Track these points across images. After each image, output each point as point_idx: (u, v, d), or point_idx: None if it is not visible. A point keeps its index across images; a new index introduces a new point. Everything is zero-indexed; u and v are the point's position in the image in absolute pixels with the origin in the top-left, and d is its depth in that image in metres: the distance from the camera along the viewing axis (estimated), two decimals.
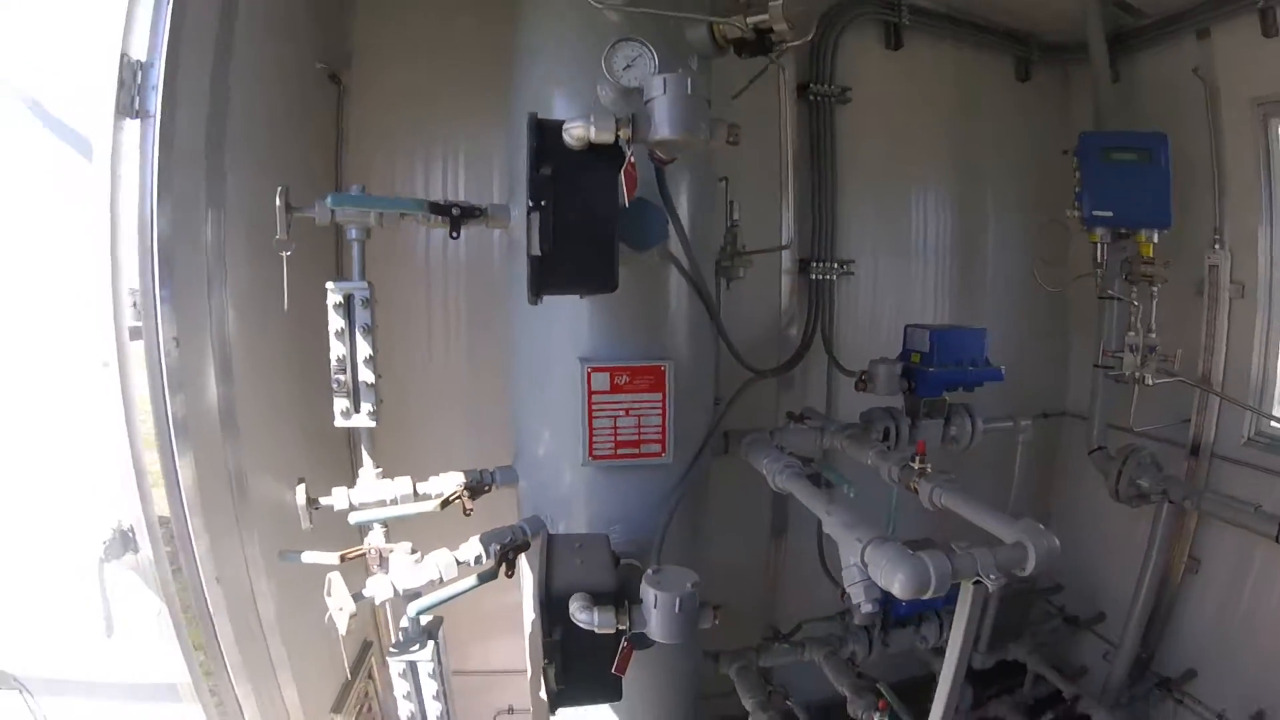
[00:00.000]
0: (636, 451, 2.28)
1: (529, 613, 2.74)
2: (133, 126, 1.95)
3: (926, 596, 1.77)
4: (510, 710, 2.94)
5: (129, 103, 1.93)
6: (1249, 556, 3.42)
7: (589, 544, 2.12)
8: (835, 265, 3.22)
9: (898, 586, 1.76)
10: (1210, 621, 3.66)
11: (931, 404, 2.75)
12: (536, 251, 1.83)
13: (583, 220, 1.83)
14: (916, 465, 2.31)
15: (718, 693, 3.16)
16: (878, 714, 2.62)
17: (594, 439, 2.25)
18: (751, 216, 2.90)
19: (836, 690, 2.88)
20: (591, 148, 1.78)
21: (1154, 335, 3.28)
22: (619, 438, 2.27)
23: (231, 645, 2.29)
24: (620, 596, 1.90)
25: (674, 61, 2.04)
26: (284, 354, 2.76)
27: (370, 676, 3.31)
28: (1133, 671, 3.77)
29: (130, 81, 1.93)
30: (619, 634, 1.88)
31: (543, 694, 2.06)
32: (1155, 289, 3.29)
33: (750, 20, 2.16)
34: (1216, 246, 3.43)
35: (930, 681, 2.18)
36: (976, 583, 1.88)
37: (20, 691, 2.21)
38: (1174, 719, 3.69)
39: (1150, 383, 3.29)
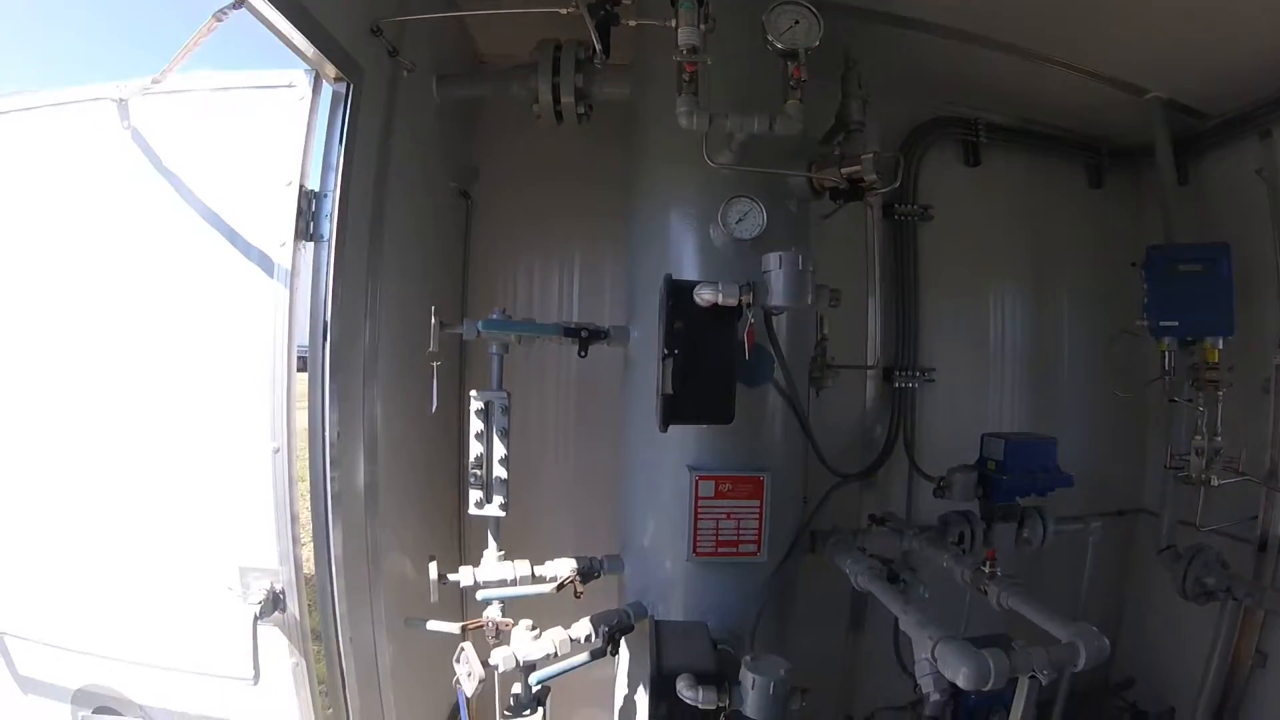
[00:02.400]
0: (735, 550, 2.55)
1: (620, 689, 3.00)
2: (307, 248, 2.34)
3: (987, 689, 2.00)
4: None
5: (305, 228, 2.32)
6: None
7: (690, 630, 2.39)
8: (917, 373, 3.42)
9: (962, 679, 2.00)
10: (1274, 715, 3.65)
11: (1005, 509, 2.93)
12: (669, 391, 2.13)
13: (707, 367, 2.14)
14: (987, 570, 2.53)
15: None
16: None
17: (698, 538, 2.53)
18: (840, 327, 3.14)
19: None
20: (716, 308, 2.09)
21: (1219, 439, 3.37)
22: (720, 537, 2.54)
23: (356, 703, 2.56)
24: (719, 677, 2.16)
25: (777, 208, 2.36)
26: (414, 446, 3.11)
27: None
28: None
29: (306, 210, 2.32)
30: (718, 710, 2.14)
31: None
32: (1220, 393, 3.40)
33: (845, 171, 2.48)
34: None
35: None
36: (1031, 677, 2.08)
37: None
38: None
39: (1215, 484, 3.41)
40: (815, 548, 2.86)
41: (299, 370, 2.31)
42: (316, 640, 2.51)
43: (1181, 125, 3.76)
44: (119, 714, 2.49)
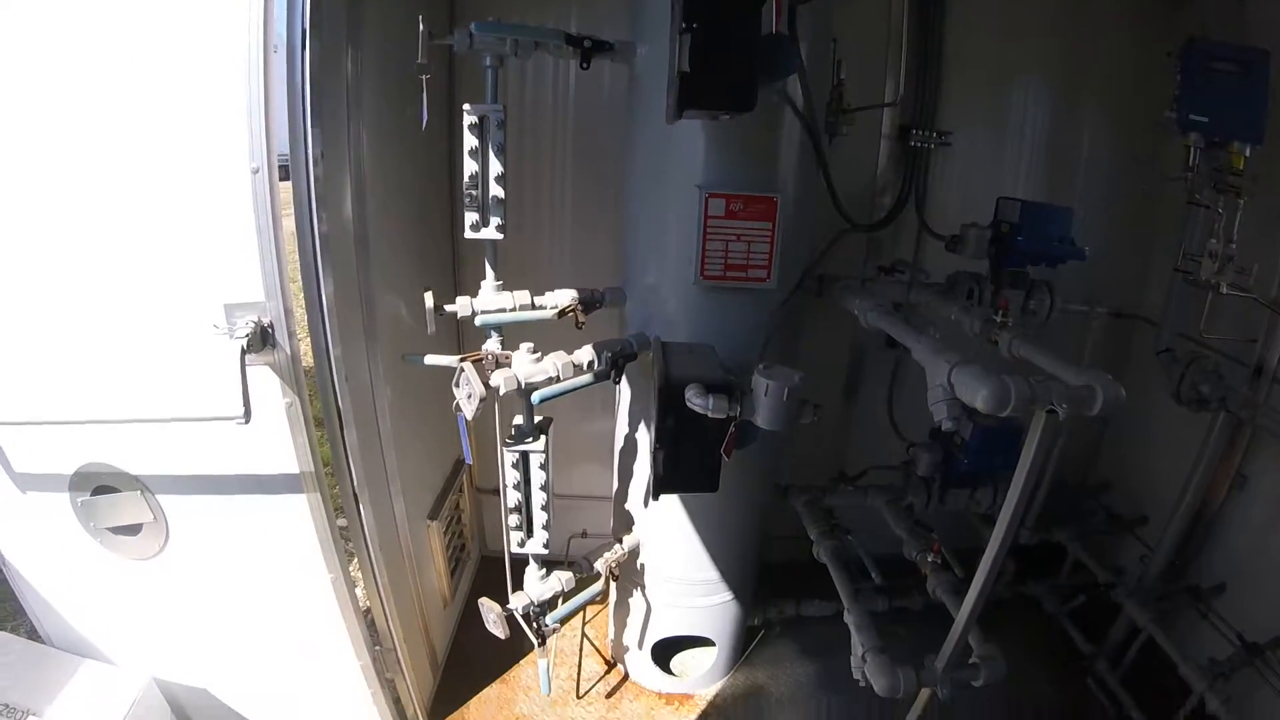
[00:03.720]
0: (744, 275, 2.47)
1: (621, 428, 2.99)
2: None
3: (1005, 413, 1.94)
4: (584, 534, 3.21)
5: None
6: None
7: (698, 349, 2.34)
8: (934, 135, 3.26)
9: (981, 401, 1.93)
10: (1247, 540, 3.73)
11: (1015, 275, 2.85)
12: (685, 68, 1.95)
13: (728, 45, 1.95)
14: (999, 319, 2.48)
15: (783, 535, 3.44)
16: (930, 554, 2.84)
17: (706, 260, 2.45)
18: (857, 80, 2.97)
19: (894, 548, 3.10)
20: None
21: (1234, 246, 3.32)
22: (729, 261, 2.45)
23: (355, 446, 2.54)
24: (729, 387, 2.10)
25: None
26: (406, 177, 2.96)
27: (461, 490, 3.62)
28: (1166, 576, 3.89)
29: None
30: (728, 420, 2.09)
31: (628, 505, 2.28)
32: (1241, 201, 3.31)
33: None
34: None
35: (979, 553, 2.38)
36: (1050, 411, 2.00)
37: (141, 491, 2.44)
38: (1194, 631, 3.77)
39: (1224, 291, 3.34)
40: (823, 291, 2.78)
41: None
42: (312, 382, 2.43)
43: None
44: (118, 489, 2.45)
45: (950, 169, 3.49)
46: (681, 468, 2.23)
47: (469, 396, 2.40)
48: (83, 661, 2.70)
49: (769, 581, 3.72)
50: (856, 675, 2.57)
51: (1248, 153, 3.24)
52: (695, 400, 2.06)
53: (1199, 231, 3.42)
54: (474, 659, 3.66)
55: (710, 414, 2.05)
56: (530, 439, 2.53)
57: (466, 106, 2.42)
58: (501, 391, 2.40)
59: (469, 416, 2.41)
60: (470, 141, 2.44)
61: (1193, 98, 3.22)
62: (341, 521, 2.65)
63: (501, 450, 2.57)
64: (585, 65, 2.52)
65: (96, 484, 2.44)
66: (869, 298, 2.58)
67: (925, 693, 2.55)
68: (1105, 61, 3.73)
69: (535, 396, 2.38)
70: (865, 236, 3.26)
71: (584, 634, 3.77)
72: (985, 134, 3.63)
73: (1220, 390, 3.50)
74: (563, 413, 3.40)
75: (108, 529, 2.53)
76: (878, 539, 3.15)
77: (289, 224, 2.23)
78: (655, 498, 2.27)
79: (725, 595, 3.28)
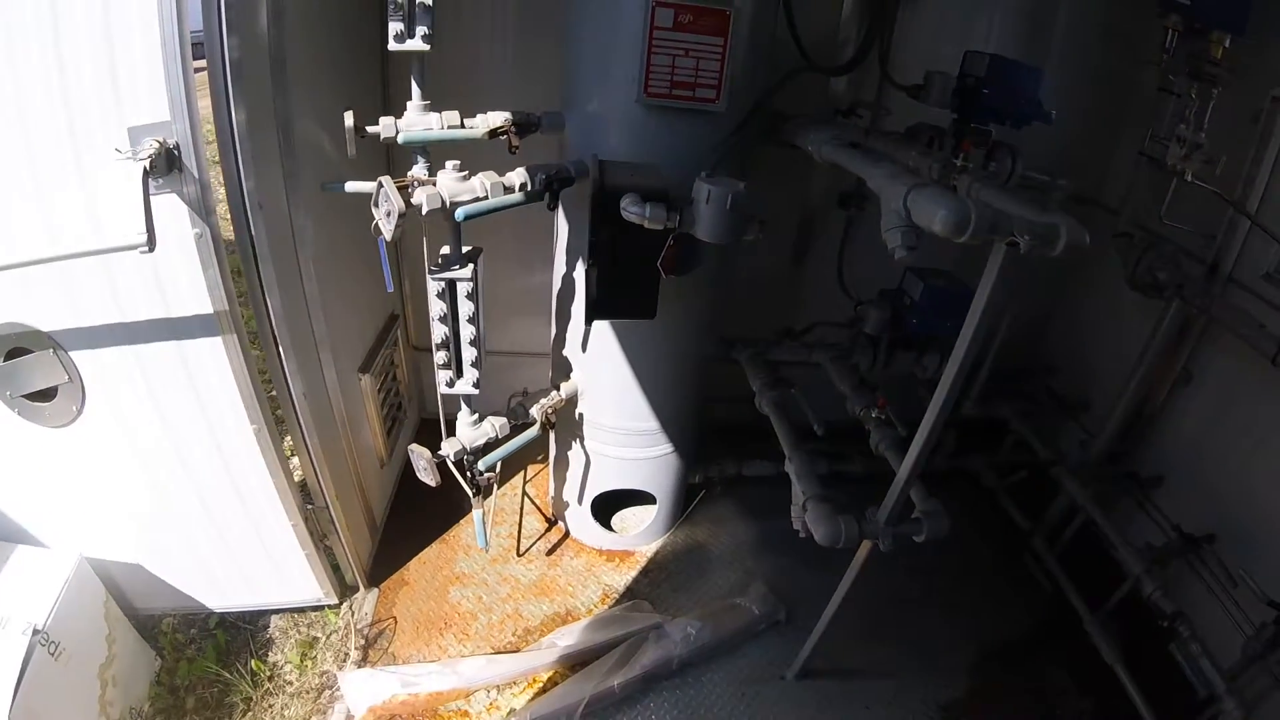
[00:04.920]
0: (691, 95, 2.30)
1: (559, 270, 2.83)
2: None
3: (964, 238, 1.82)
4: (525, 392, 3.08)
5: None
6: (1241, 380, 3.48)
7: (641, 166, 2.19)
8: None
9: (939, 223, 1.80)
10: (1188, 435, 3.77)
11: (978, 132, 2.72)
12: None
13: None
14: (959, 162, 2.35)
15: (728, 396, 3.38)
16: (875, 410, 2.77)
17: (651, 76, 2.26)
18: None
19: (839, 414, 3.02)
20: None
21: (1204, 135, 3.23)
22: (675, 78, 2.27)
23: (272, 281, 2.38)
24: (669, 198, 1.95)
25: None
26: None
27: (396, 345, 3.46)
28: (1106, 462, 3.94)
29: None
30: (666, 232, 1.94)
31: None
32: (1216, 91, 3.21)
33: None
34: None
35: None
36: (1011, 243, 1.88)
37: (54, 350, 2.31)
38: (1130, 519, 3.86)
39: (1189, 178, 3.28)
40: (775, 128, 2.63)
41: None
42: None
43: None
44: (31, 350, 2.31)
45: (919, 23, 3.28)
46: (618, 290, 2.12)
47: (388, 215, 2.22)
48: (14, 548, 2.60)
49: (713, 443, 3.71)
50: (796, 525, 2.51)
51: (1228, 43, 3.13)
52: (631, 209, 1.92)
53: (1169, 117, 3.33)
54: (413, 520, 3.61)
55: (647, 223, 1.92)
56: (457, 266, 2.36)
57: None
58: (425, 210, 2.23)
59: (388, 237, 2.23)
60: None
61: None
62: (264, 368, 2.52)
63: (427, 279, 2.39)
64: None
65: (7, 347, 2.30)
66: (824, 129, 2.42)
67: (866, 546, 2.49)
68: None
69: (460, 213, 2.21)
70: (825, 84, 3.10)
71: (524, 492, 3.73)
72: None
73: (1177, 277, 3.46)
74: (501, 264, 3.27)
75: (24, 396, 2.40)
76: (823, 406, 3.07)
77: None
78: (588, 322, 2.15)
79: (665, 448, 3.24)
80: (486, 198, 2.28)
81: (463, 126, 2.40)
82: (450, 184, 2.27)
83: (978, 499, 4.18)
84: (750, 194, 1.92)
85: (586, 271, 2.07)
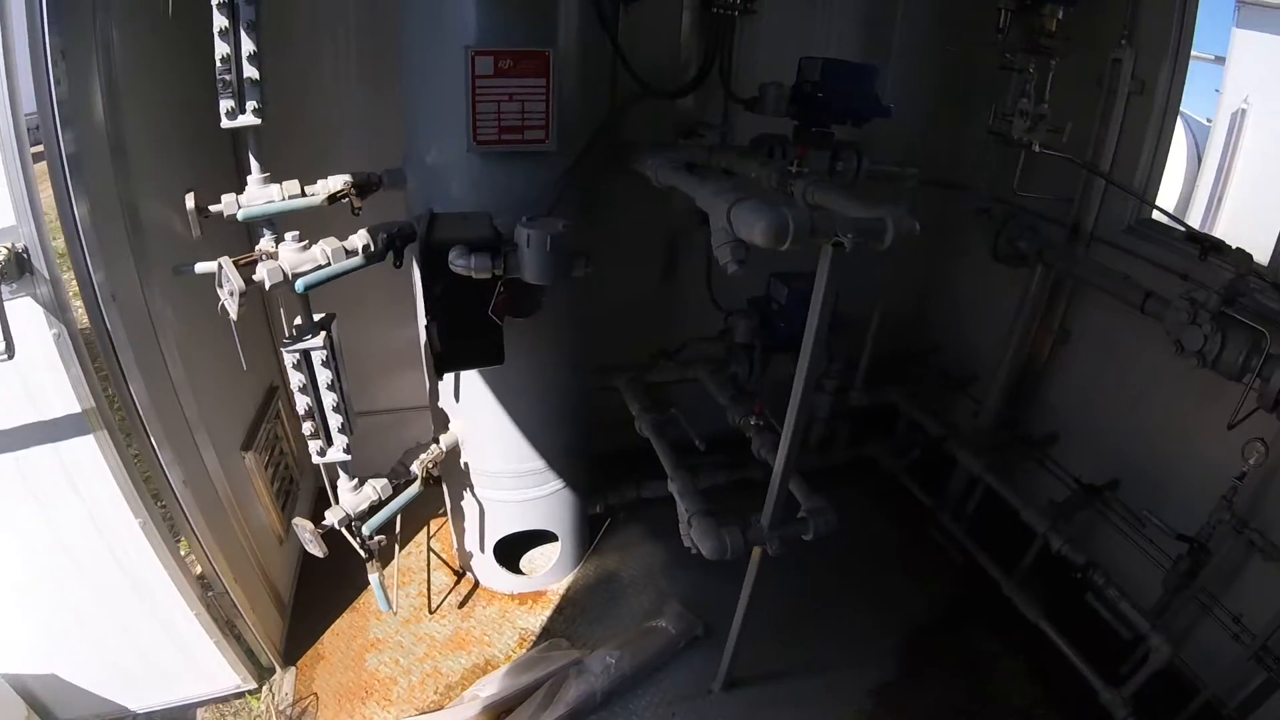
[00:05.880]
0: (520, 138, 2.32)
1: (421, 324, 2.81)
2: None
3: (785, 246, 1.87)
4: (417, 445, 3.04)
5: None
6: (1116, 331, 3.62)
7: (472, 216, 2.19)
8: (738, 1, 2.99)
9: (759, 234, 1.85)
10: (1075, 391, 3.93)
11: (820, 135, 2.80)
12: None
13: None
14: (795, 169, 2.42)
15: (619, 422, 3.37)
16: (753, 417, 2.82)
17: (478, 123, 2.28)
18: None
19: (723, 424, 3.09)
20: None
21: (1046, 106, 3.36)
22: (503, 123, 2.29)
23: (135, 371, 2.32)
24: (495, 246, 1.97)
25: None
26: (168, 70, 2.65)
27: (278, 417, 3.38)
28: (999, 430, 4.08)
29: None
30: (495, 279, 1.96)
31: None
32: (1054, 63, 3.33)
33: None
34: (1124, 42, 3.42)
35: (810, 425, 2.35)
36: (836, 244, 1.94)
37: None
38: (1034, 480, 4.01)
39: (1037, 149, 3.41)
40: (619, 157, 2.66)
41: None
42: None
43: None
44: None
45: (757, 37, 3.36)
46: (461, 341, 2.12)
47: (231, 294, 2.20)
48: None
49: (612, 469, 3.71)
50: (686, 543, 2.54)
51: (1061, 14, 3.26)
52: (457, 262, 1.93)
53: (1012, 93, 3.46)
54: (322, 591, 3.52)
55: (474, 274, 1.92)
56: (310, 335, 2.33)
57: None
58: (267, 285, 2.22)
59: (234, 316, 2.22)
60: (220, 21, 2.17)
61: None
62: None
63: (281, 351, 2.36)
64: None
65: None
66: (659, 155, 2.46)
67: (757, 552, 2.53)
68: None
69: (299, 284, 2.17)
70: (671, 109, 3.14)
71: (429, 547, 3.66)
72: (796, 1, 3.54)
73: (1037, 244, 3.61)
74: (375, 321, 3.30)
75: None
76: (713, 419, 3.11)
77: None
78: (439, 376, 2.14)
79: (557, 484, 3.23)
80: (329, 264, 2.26)
81: (304, 195, 2.38)
82: (291, 256, 2.24)
83: (882, 484, 4.28)
84: (575, 229, 1.95)
85: (426, 328, 2.06)
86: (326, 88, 3.14)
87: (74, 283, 2.17)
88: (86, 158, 2.08)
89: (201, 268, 2.43)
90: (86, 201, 2.07)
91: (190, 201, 2.28)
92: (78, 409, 2.24)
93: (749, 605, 2.70)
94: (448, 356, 2.13)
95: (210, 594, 2.84)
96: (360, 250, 2.30)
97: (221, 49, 2.19)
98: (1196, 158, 6.52)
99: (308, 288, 2.20)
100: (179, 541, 2.76)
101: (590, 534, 3.70)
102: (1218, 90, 6.28)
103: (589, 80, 2.53)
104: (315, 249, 2.27)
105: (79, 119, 2.06)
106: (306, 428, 2.48)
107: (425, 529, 3.67)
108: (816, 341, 2.13)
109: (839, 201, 2.21)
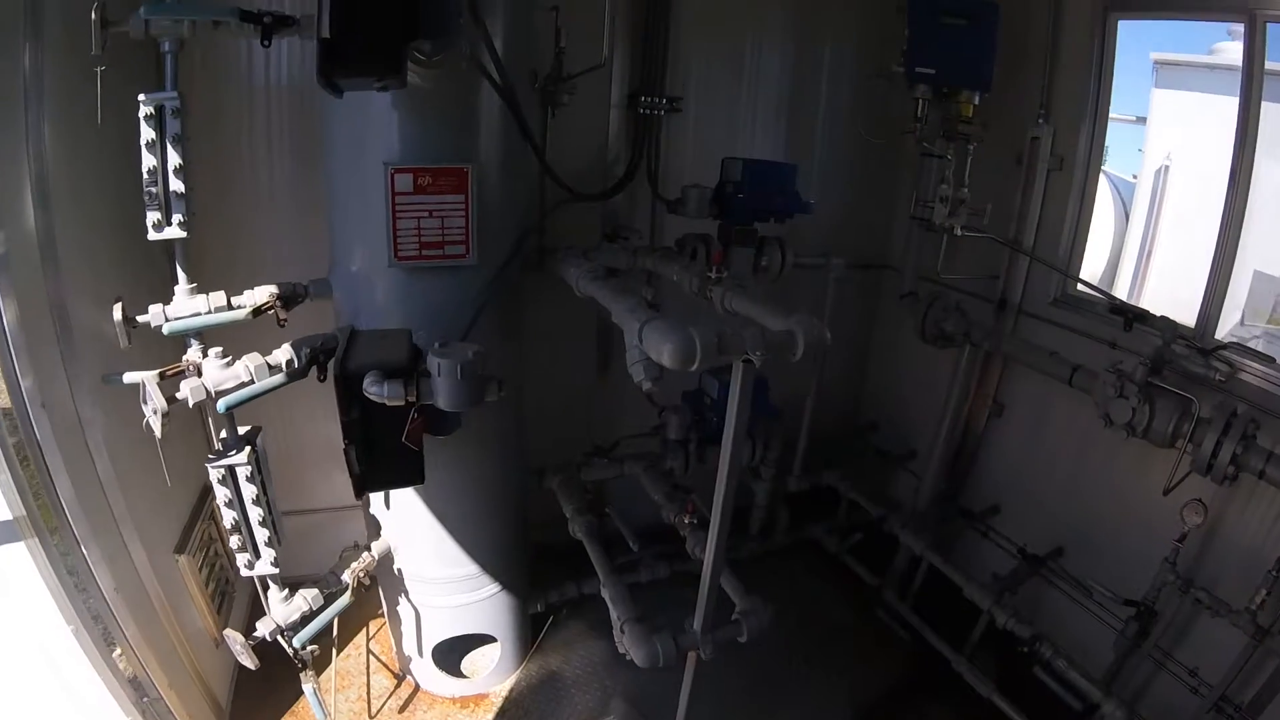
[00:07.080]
0: (441, 253, 2.37)
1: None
2: None
3: (694, 367, 1.90)
4: (355, 545, 3.02)
5: None
6: (1049, 403, 3.70)
7: (390, 335, 2.22)
8: (663, 101, 3.21)
9: (667, 356, 1.89)
10: (1013, 461, 4.00)
11: (744, 233, 2.90)
12: (325, 34, 1.82)
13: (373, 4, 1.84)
14: (713, 275, 2.49)
15: (555, 519, 3.36)
16: (686, 515, 2.85)
17: (398, 240, 2.32)
18: (584, 50, 2.87)
19: (660, 515, 3.11)
20: None
21: (966, 190, 3.48)
22: (423, 239, 2.34)
23: (64, 480, 2.29)
24: (410, 372, 2.00)
25: None
26: (101, 178, 2.66)
27: (212, 518, 3.33)
28: (939, 505, 4.13)
29: None
30: (409, 406, 1.99)
31: None
32: (972, 147, 3.47)
33: None
34: (1041, 121, 3.57)
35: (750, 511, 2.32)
36: (746, 361, 1.98)
37: None
38: (979, 551, 4.05)
39: (959, 233, 3.54)
40: (544, 264, 2.72)
41: None
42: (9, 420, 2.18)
43: None
44: None
45: (684, 134, 3.48)
46: (380, 463, 2.12)
47: (154, 412, 2.20)
48: None
49: (552, 567, 3.67)
50: (620, 649, 2.53)
51: (977, 100, 3.41)
52: (371, 389, 1.96)
53: (933, 179, 3.59)
54: (260, 697, 3.39)
55: (388, 401, 1.94)
56: (234, 451, 2.33)
57: (142, 97, 2.20)
58: (191, 403, 2.22)
59: (158, 434, 2.20)
60: (147, 134, 2.22)
61: (921, 50, 3.32)
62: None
63: (206, 467, 2.36)
64: (266, 43, 2.31)
65: None
66: (581, 264, 2.53)
67: (692, 657, 2.54)
68: (841, 21, 3.82)
69: (221, 404, 2.19)
70: (600, 207, 3.22)
71: (369, 649, 3.58)
72: (720, 98, 3.64)
73: (963, 325, 3.70)
74: (311, 419, 3.28)
75: None
76: (652, 511, 3.14)
77: None
78: (358, 497, 2.15)
79: (493, 587, 3.19)
80: (252, 381, 2.27)
81: (230, 307, 2.40)
82: (215, 373, 2.26)
83: (828, 561, 4.27)
84: (486, 353, 1.98)
85: (345, 451, 2.08)
86: (259, 197, 3.18)
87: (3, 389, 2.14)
88: (14, 257, 2.07)
89: (130, 378, 2.42)
90: (15, 304, 2.06)
91: (118, 312, 2.29)
92: (9, 516, 2.19)
93: (689, 704, 2.69)
94: (367, 479, 2.13)
95: (145, 700, 2.75)
96: (284, 365, 2.33)
97: (149, 161, 2.23)
98: (1124, 215, 6.72)
99: (229, 408, 2.22)
100: (112, 647, 2.69)
101: (532, 633, 3.64)
102: (1140, 150, 6.56)
103: (513, 190, 2.60)
104: (239, 365, 2.29)
105: (8, 218, 2.07)
106: (234, 541, 2.45)
107: (364, 630, 3.59)
108: (734, 455, 2.15)
109: (754, 309, 2.26)
